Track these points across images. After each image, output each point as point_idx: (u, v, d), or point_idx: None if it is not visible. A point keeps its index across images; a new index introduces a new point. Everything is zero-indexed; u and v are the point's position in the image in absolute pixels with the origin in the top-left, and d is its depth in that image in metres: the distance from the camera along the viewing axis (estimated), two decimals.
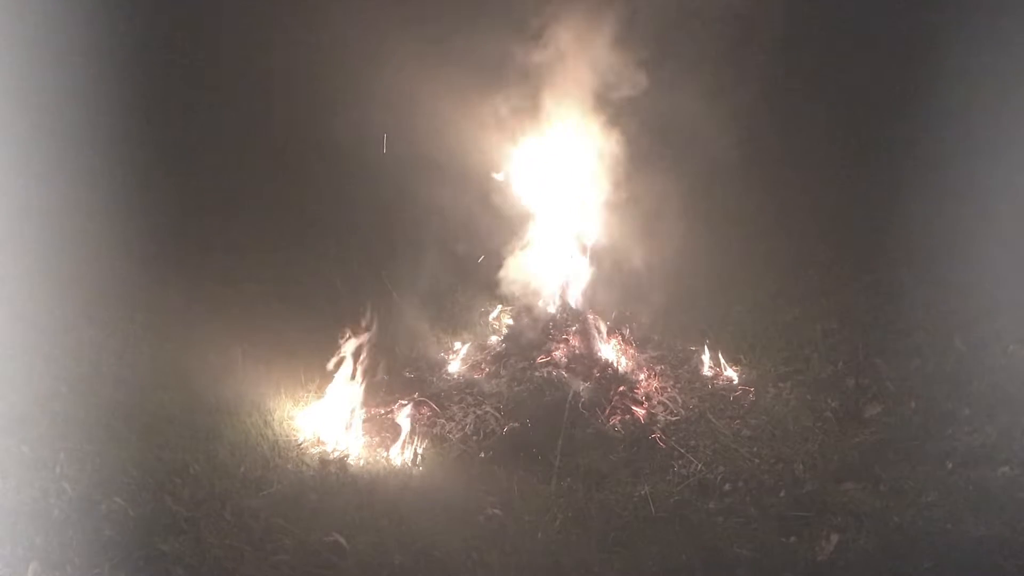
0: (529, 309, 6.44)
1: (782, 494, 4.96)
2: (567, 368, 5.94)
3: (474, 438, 5.44)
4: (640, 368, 6.13)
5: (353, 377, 5.63)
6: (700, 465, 5.23)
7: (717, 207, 7.52)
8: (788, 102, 8.31)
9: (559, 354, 6.06)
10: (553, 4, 6.09)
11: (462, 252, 7.02)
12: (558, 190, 6.40)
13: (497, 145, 6.39)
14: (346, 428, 5.47)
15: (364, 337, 5.68)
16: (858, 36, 8.14)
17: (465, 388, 5.87)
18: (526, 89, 6.25)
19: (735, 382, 6.14)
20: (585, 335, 6.22)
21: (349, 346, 5.65)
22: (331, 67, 8.15)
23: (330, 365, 5.62)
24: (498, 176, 6.38)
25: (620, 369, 6.07)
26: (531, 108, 6.31)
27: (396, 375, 6.08)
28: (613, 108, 6.20)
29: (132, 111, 7.40)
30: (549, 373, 5.87)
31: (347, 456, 5.24)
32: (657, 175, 6.36)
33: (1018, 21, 6.94)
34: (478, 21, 6.09)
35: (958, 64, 7.21)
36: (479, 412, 5.59)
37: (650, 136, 6.27)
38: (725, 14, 6.17)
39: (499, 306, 6.89)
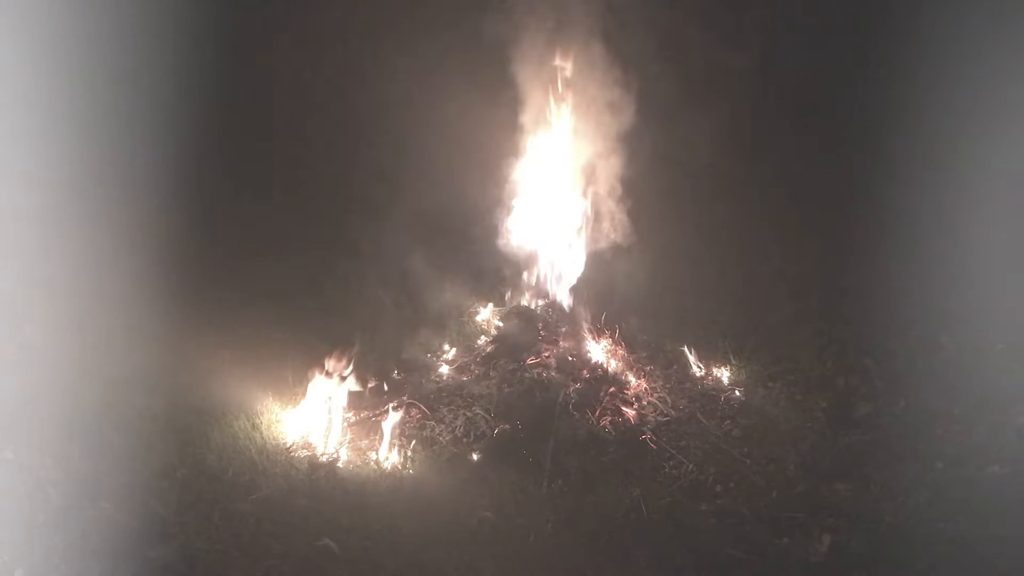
0: (519, 310, 6.42)
1: (774, 495, 4.96)
2: (557, 369, 5.92)
3: (464, 440, 5.41)
4: (630, 369, 6.11)
5: (342, 380, 5.60)
6: (691, 466, 5.23)
7: (706, 208, 7.51)
8: (776, 104, 8.33)
9: (549, 355, 6.04)
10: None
11: (452, 254, 7.00)
12: (552, 194, 6.40)
13: (495, 151, 6.39)
14: (335, 431, 5.43)
15: (352, 340, 5.66)
16: (849, 35, 8.15)
17: (454, 390, 5.83)
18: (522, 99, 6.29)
19: (725, 382, 6.14)
20: (575, 336, 6.20)
21: (337, 349, 5.62)
22: (325, 68, 8.13)
23: (318, 368, 5.59)
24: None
25: (610, 370, 6.05)
26: (527, 118, 6.34)
27: (385, 377, 6.04)
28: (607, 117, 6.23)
29: (126, 117, 7.32)
30: (539, 375, 5.85)
31: (337, 460, 5.19)
32: (648, 178, 6.36)
33: (1012, 19, 6.98)
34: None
35: (950, 62, 7.23)
36: (469, 414, 5.56)
37: (643, 139, 6.27)
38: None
39: (488, 308, 6.86)
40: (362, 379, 5.80)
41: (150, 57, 7.35)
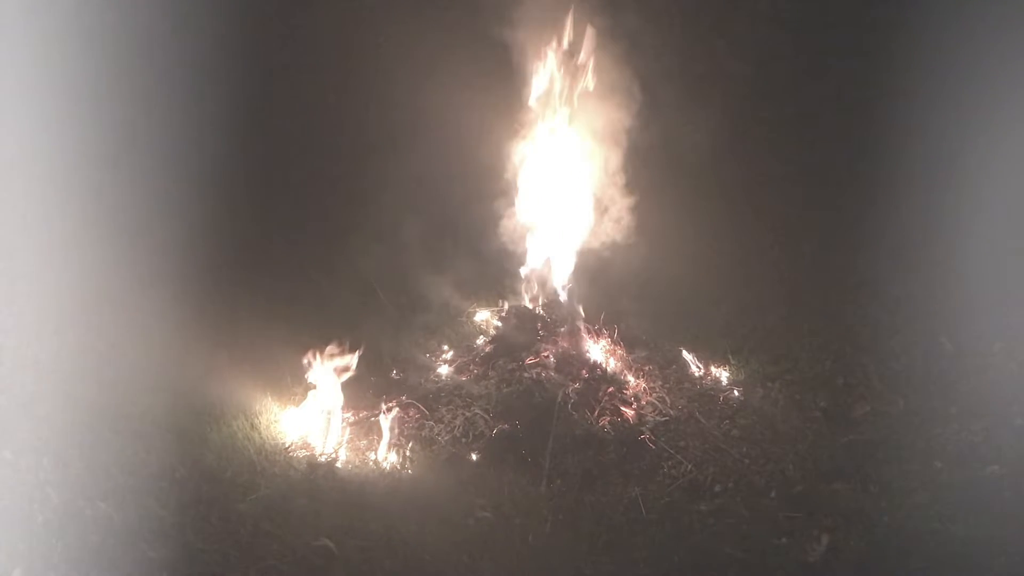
0: (517, 310, 6.41)
1: (772, 495, 4.97)
2: (556, 369, 5.91)
3: (463, 440, 5.40)
4: (629, 368, 6.11)
5: (340, 380, 5.59)
6: (690, 466, 5.22)
7: (705, 208, 7.51)
8: (774, 105, 8.33)
9: (548, 355, 6.03)
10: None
11: (450, 253, 7.00)
12: (550, 193, 6.39)
13: (492, 149, 6.39)
14: (334, 431, 5.43)
15: (351, 339, 5.65)
16: (844, 34, 8.15)
17: (453, 390, 5.83)
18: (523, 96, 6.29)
19: (723, 382, 6.14)
20: (574, 336, 6.19)
21: (336, 349, 5.62)
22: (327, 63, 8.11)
23: (317, 368, 5.58)
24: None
25: (609, 370, 6.04)
26: (527, 115, 6.34)
27: (383, 377, 6.04)
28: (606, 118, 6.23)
29: (124, 118, 7.32)
30: (538, 374, 5.83)
31: (335, 460, 5.19)
32: (649, 177, 6.35)
33: (1014, 19, 6.98)
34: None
35: (947, 64, 7.22)
36: (468, 414, 5.56)
37: (641, 141, 6.27)
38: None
39: (487, 307, 6.86)
40: (361, 379, 5.80)
41: (150, 57, 7.37)
